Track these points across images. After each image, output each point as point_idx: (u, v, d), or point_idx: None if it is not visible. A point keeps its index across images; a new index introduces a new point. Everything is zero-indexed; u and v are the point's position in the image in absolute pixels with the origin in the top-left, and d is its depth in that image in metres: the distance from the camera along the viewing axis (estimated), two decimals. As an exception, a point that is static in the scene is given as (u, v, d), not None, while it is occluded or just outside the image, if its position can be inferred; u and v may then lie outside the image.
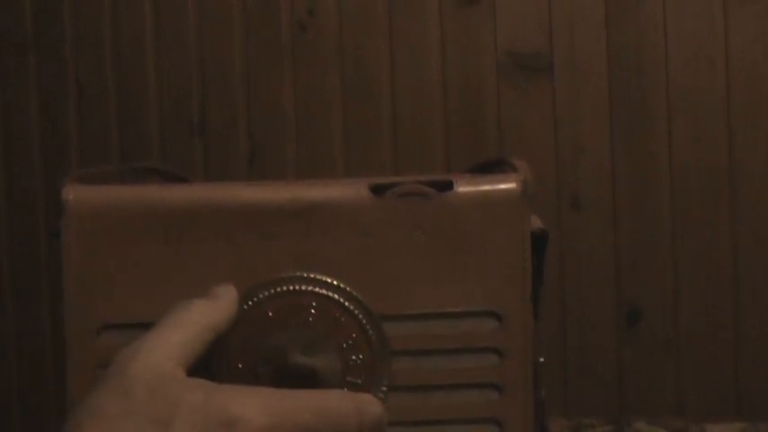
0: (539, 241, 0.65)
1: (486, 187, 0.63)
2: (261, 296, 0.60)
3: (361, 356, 0.61)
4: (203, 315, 0.57)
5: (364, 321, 0.61)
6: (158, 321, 0.56)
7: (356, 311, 0.61)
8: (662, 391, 1.75)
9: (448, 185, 0.63)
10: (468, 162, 0.77)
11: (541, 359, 0.67)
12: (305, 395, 0.54)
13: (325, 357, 0.60)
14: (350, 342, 0.60)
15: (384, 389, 0.61)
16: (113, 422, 0.50)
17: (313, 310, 0.60)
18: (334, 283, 0.61)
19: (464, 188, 0.63)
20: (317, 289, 0.61)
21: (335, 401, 0.55)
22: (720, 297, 1.75)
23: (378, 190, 0.62)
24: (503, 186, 0.63)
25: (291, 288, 0.61)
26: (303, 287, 0.61)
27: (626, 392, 1.76)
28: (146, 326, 0.60)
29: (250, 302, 0.60)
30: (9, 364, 1.96)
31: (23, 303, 1.94)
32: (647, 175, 1.76)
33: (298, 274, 0.61)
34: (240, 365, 0.59)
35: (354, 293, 0.61)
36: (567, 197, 1.77)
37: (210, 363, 0.57)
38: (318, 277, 0.61)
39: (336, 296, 0.61)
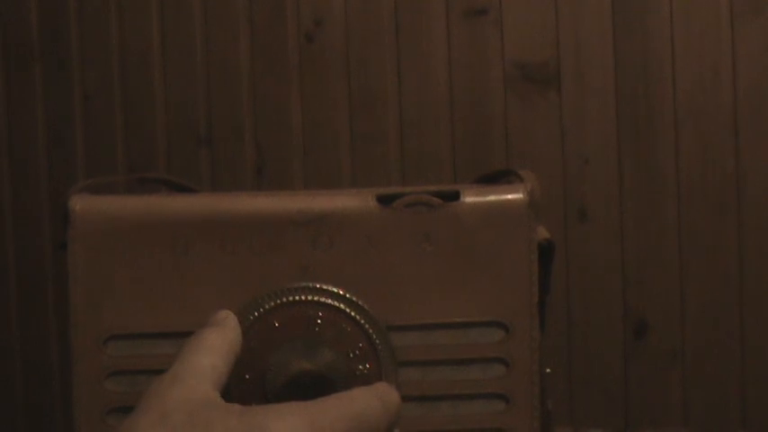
0: (545, 252, 0.65)
1: (493, 198, 0.63)
2: (267, 307, 0.60)
3: (368, 366, 0.60)
4: (221, 340, 0.57)
5: (371, 331, 0.60)
6: (179, 352, 0.56)
7: (363, 321, 0.60)
8: (668, 403, 1.75)
9: (454, 196, 0.63)
10: (475, 173, 0.77)
11: (548, 370, 0.67)
12: (335, 403, 0.54)
13: (332, 366, 0.59)
14: (357, 352, 0.60)
15: None
16: None
17: (319, 321, 0.60)
18: (341, 293, 0.60)
19: (471, 198, 0.63)
20: (323, 299, 0.60)
21: (364, 402, 0.55)
22: (727, 309, 1.74)
23: (384, 200, 0.62)
24: (509, 197, 0.63)
25: (297, 298, 0.60)
26: (309, 297, 0.60)
27: (632, 404, 1.75)
28: (152, 336, 0.60)
29: (256, 313, 0.60)
30: (15, 376, 1.96)
31: (30, 317, 1.94)
32: (654, 186, 1.75)
33: (304, 284, 0.61)
34: (247, 376, 0.59)
35: (361, 303, 0.60)
36: (573, 208, 1.77)
37: None
38: (324, 287, 0.61)
39: (343, 306, 0.60)
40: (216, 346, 0.56)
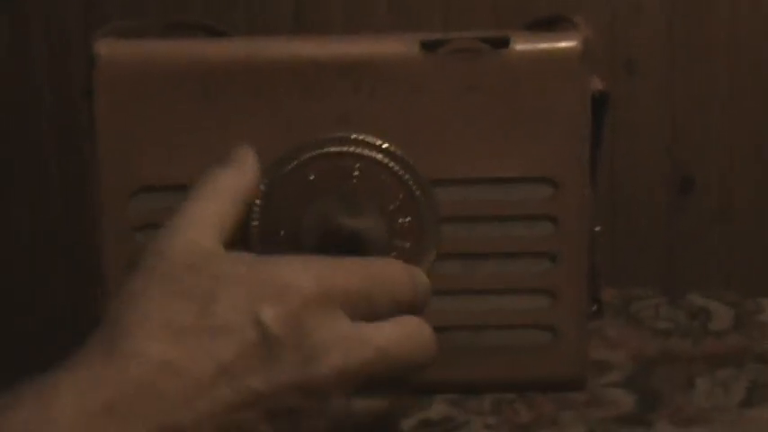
0: (598, 104, 0.62)
1: (545, 45, 0.60)
2: (302, 158, 0.58)
3: (408, 219, 0.58)
4: (232, 182, 0.54)
5: (411, 183, 0.58)
6: (186, 196, 0.53)
7: (403, 173, 0.58)
8: (712, 261, 1.73)
9: (504, 42, 0.59)
10: (518, 20, 0.73)
11: (597, 228, 0.65)
12: (355, 261, 0.52)
13: (370, 219, 0.57)
14: (396, 204, 0.58)
15: (433, 254, 0.59)
16: (155, 305, 0.49)
17: (356, 173, 0.58)
18: (379, 143, 0.58)
19: (521, 45, 0.60)
20: (360, 150, 0.58)
21: (388, 267, 0.53)
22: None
23: (429, 46, 0.59)
24: (562, 44, 0.60)
25: (334, 150, 0.58)
26: (346, 148, 0.58)
27: (676, 262, 1.74)
28: (182, 189, 0.58)
29: (290, 166, 0.58)
30: (57, 233, 1.97)
31: (67, 163, 1.95)
32: (705, 39, 1.70)
33: (340, 134, 0.58)
34: (282, 232, 0.57)
35: (401, 154, 0.58)
36: (620, 60, 1.73)
37: (249, 232, 0.55)
38: (362, 138, 0.58)
39: (381, 157, 0.58)
40: (225, 189, 0.53)
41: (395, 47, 0.59)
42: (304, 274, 0.50)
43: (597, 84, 0.62)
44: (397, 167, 0.58)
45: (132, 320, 0.48)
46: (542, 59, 0.60)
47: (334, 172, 0.58)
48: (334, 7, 1.81)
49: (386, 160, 0.58)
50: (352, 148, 0.58)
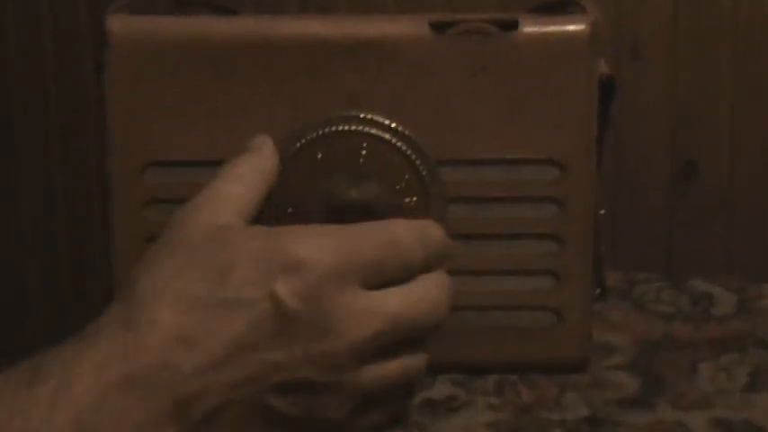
0: (606, 88, 0.62)
1: (554, 28, 0.60)
2: (309, 137, 0.58)
3: (414, 199, 0.59)
4: (251, 167, 0.55)
5: (419, 164, 0.59)
6: (209, 180, 0.55)
7: (410, 153, 0.59)
8: (715, 246, 1.73)
9: (513, 24, 0.60)
10: (524, 3, 0.74)
11: (602, 211, 0.65)
12: (367, 229, 0.53)
13: (376, 197, 0.58)
14: (402, 184, 0.59)
15: None
16: (171, 275, 0.50)
17: (364, 152, 0.58)
18: (387, 123, 0.58)
19: (530, 28, 0.60)
20: (368, 129, 0.58)
21: (399, 232, 0.53)
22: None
23: (438, 27, 0.59)
24: (571, 27, 0.60)
25: (341, 128, 0.58)
26: (354, 127, 0.58)
27: (678, 247, 1.74)
28: (193, 164, 0.59)
29: (298, 144, 0.58)
30: (56, 204, 1.97)
31: (70, 141, 1.94)
32: (710, 24, 1.70)
33: (348, 113, 0.58)
34: (290, 209, 0.57)
35: (408, 134, 0.58)
36: (625, 45, 1.72)
37: (260, 211, 0.56)
38: (370, 117, 0.59)
39: (389, 137, 0.58)
40: (245, 173, 0.55)
41: (403, 27, 0.59)
42: (319, 247, 0.50)
43: (604, 67, 0.62)
44: (404, 147, 0.58)
45: (148, 290, 0.50)
46: (551, 42, 0.60)
47: (341, 150, 0.58)
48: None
49: (393, 140, 0.58)
50: (359, 127, 0.58)
